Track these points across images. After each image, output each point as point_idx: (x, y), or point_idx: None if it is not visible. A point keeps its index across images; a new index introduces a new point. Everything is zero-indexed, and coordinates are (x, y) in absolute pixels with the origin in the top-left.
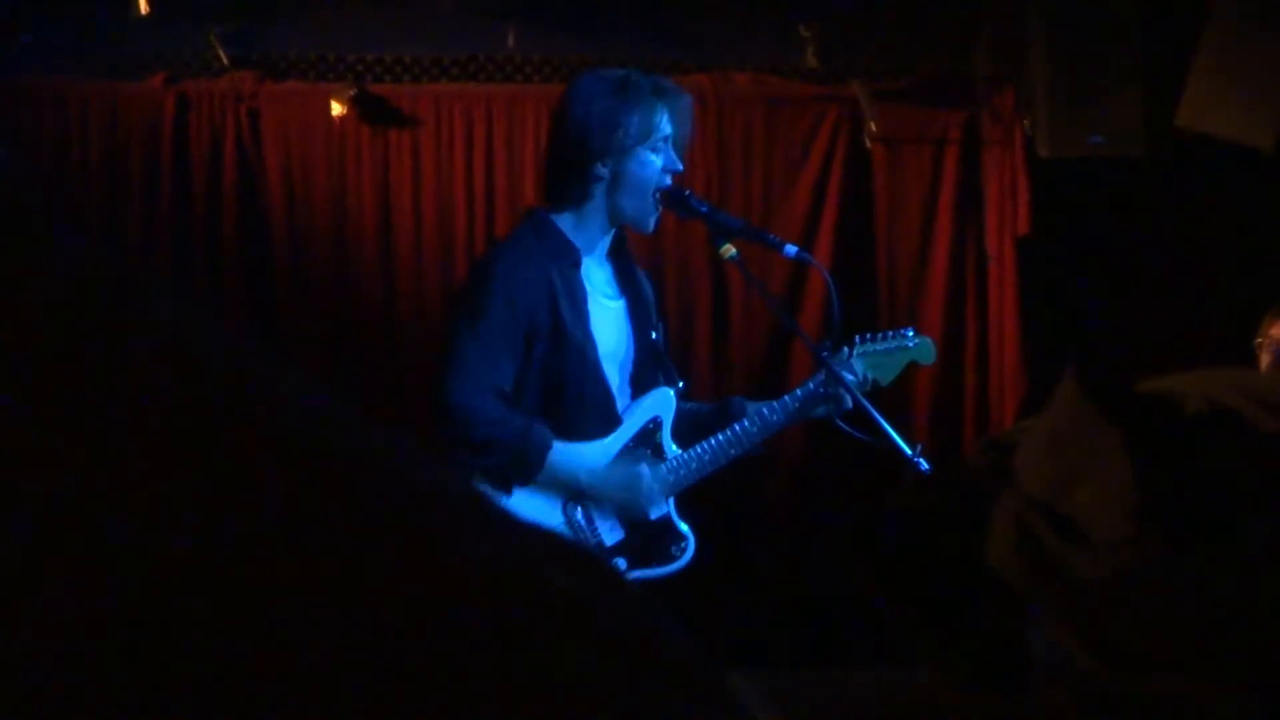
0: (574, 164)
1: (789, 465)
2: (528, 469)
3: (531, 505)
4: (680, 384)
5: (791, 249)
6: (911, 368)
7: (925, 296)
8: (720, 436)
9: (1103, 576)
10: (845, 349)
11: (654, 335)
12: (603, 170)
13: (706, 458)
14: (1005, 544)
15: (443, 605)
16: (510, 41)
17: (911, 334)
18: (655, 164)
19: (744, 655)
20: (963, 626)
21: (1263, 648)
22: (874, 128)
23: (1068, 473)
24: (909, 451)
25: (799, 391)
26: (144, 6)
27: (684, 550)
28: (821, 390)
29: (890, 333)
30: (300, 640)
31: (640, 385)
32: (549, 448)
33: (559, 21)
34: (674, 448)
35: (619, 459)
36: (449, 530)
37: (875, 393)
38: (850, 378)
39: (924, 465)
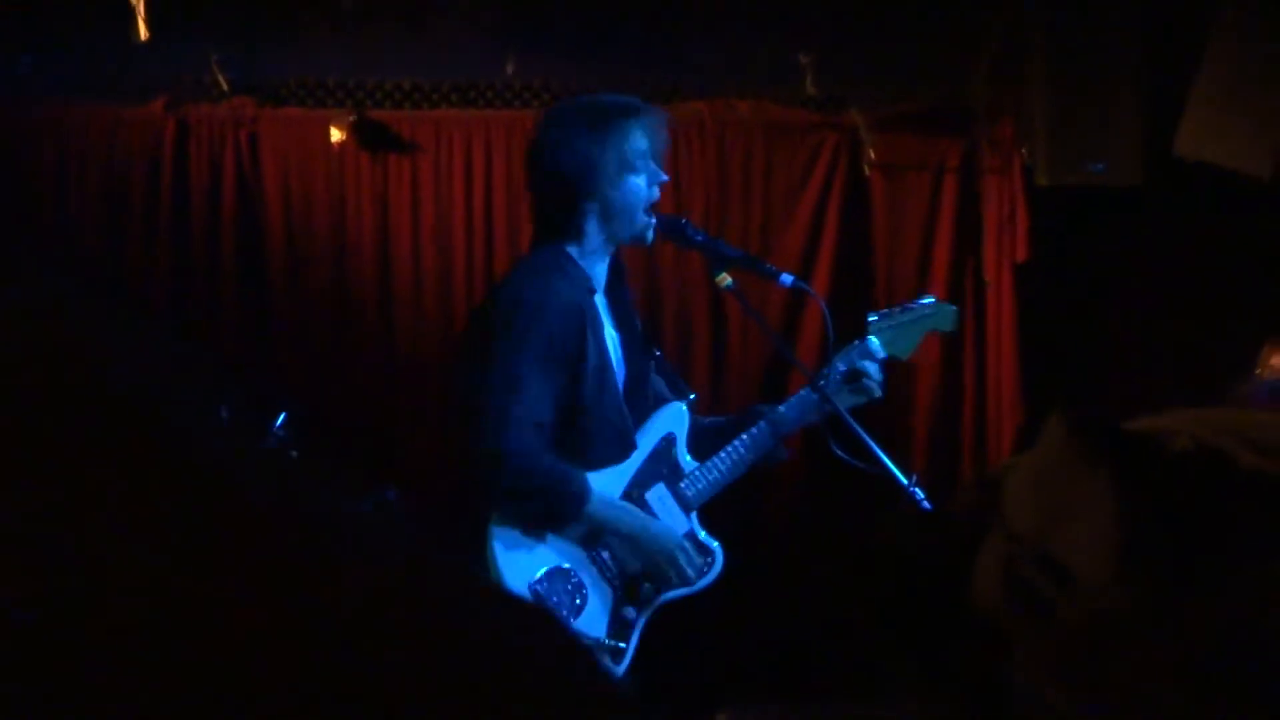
0: (561, 204)
1: (785, 495)
2: (564, 518)
3: (554, 537)
4: (693, 395)
5: (788, 278)
6: (909, 404)
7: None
8: (736, 443)
9: (1087, 617)
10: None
11: (658, 352)
12: (590, 205)
13: (725, 466)
14: (991, 583)
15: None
16: (509, 68)
17: (931, 300)
18: (640, 184)
19: (734, 688)
20: (947, 664)
21: (1246, 690)
22: (873, 155)
23: (1054, 512)
24: (905, 480)
25: (809, 390)
26: (144, 31)
27: (711, 564)
28: (839, 379)
29: (907, 304)
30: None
31: (633, 412)
32: (587, 499)
33: (558, 48)
34: (690, 461)
35: (634, 482)
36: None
37: (874, 408)
38: (867, 364)
39: (919, 494)
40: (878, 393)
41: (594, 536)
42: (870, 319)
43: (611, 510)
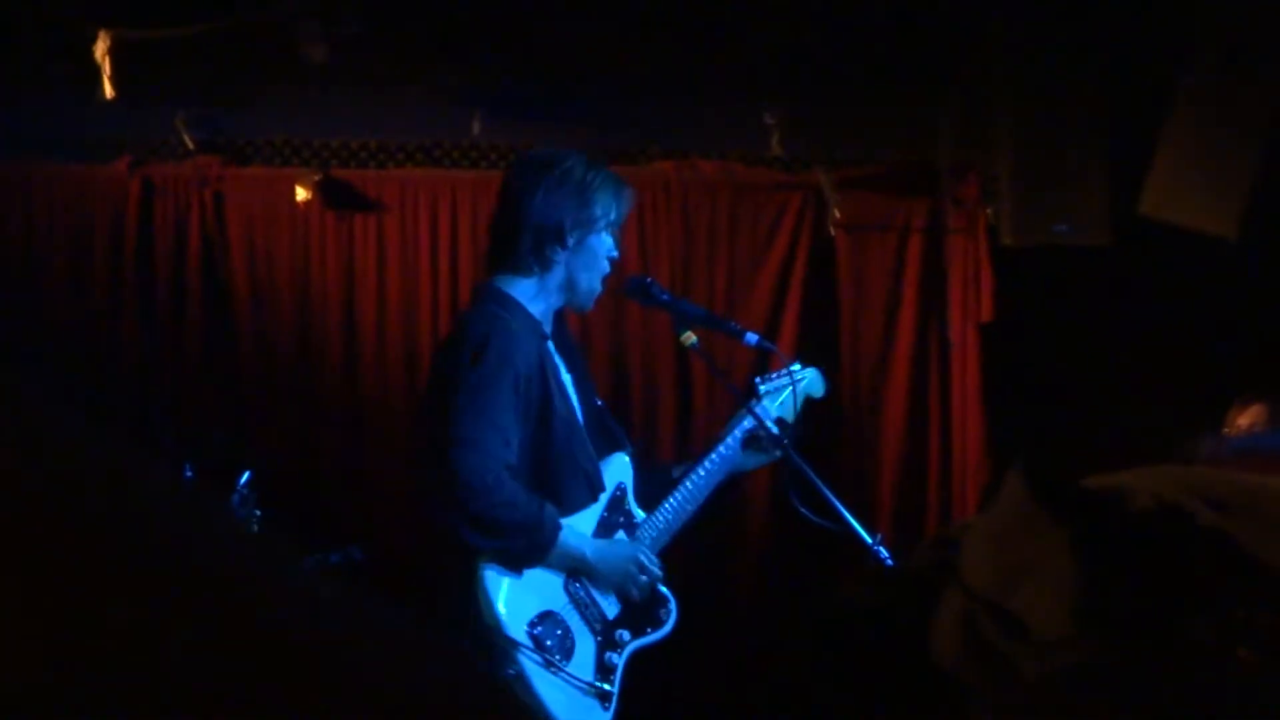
0: (543, 238)
1: (753, 550)
2: (541, 551)
3: (539, 582)
4: (630, 447)
5: (752, 337)
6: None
7: (889, 383)
8: (678, 494)
9: (1046, 674)
10: (755, 394)
11: (599, 401)
12: (561, 255)
13: (671, 516)
14: (951, 640)
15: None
16: (475, 128)
17: (798, 368)
18: (608, 246)
19: None
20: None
21: None
22: (838, 215)
23: (1013, 569)
24: (869, 540)
25: (738, 433)
26: (109, 90)
27: (669, 614)
28: (756, 431)
29: (783, 371)
30: None
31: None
32: (560, 530)
33: (524, 108)
34: (640, 512)
35: (598, 530)
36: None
37: (839, 468)
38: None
39: (884, 553)
40: (776, 454)
41: (571, 574)
42: (757, 383)
43: (575, 541)
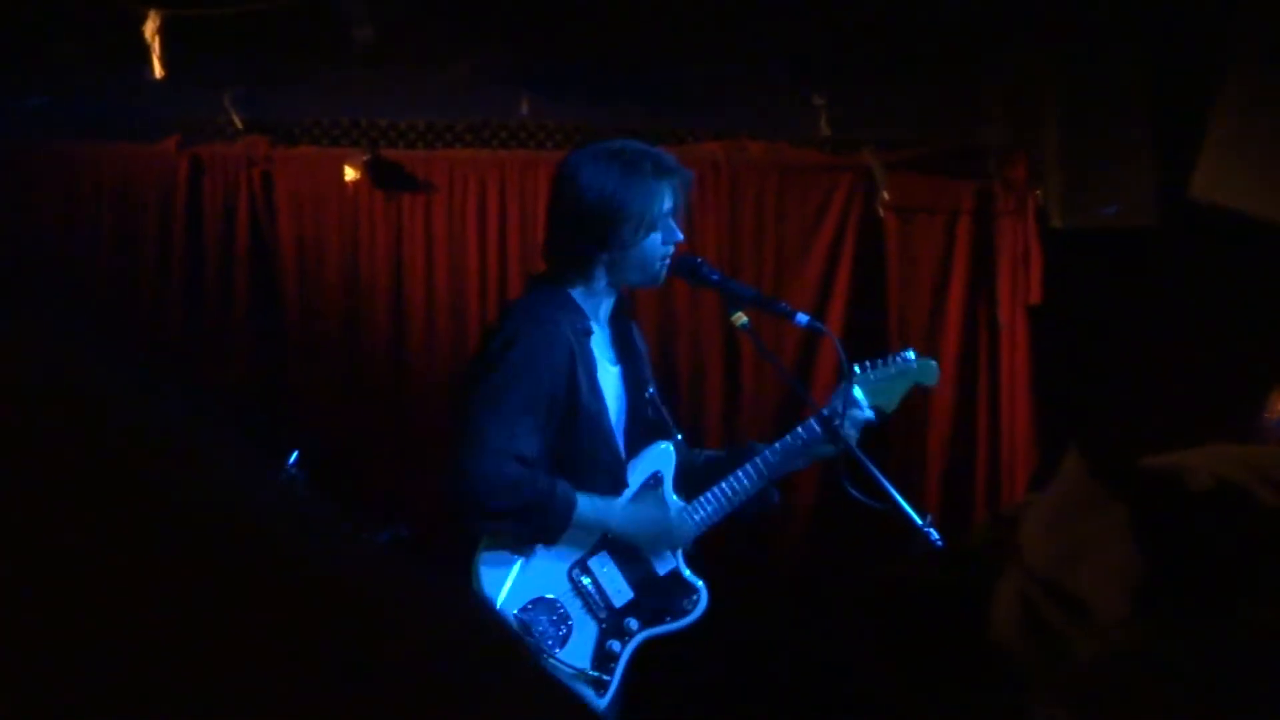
0: (578, 247)
1: (799, 531)
2: (555, 529)
3: (539, 567)
4: (679, 435)
5: (803, 318)
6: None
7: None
8: (723, 485)
9: (1105, 656)
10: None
11: (650, 391)
12: (604, 255)
13: (710, 508)
14: (1009, 620)
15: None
16: (523, 108)
17: (913, 356)
18: (657, 241)
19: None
20: (964, 701)
21: None
22: (886, 197)
23: (1072, 549)
24: (919, 521)
25: (800, 430)
26: (158, 70)
27: (696, 603)
28: (821, 432)
29: (892, 357)
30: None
31: (632, 445)
32: (575, 505)
33: (572, 88)
34: (677, 500)
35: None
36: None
37: (889, 449)
38: (858, 414)
39: (934, 535)
40: (851, 444)
41: (598, 544)
42: (854, 371)
43: (595, 512)
